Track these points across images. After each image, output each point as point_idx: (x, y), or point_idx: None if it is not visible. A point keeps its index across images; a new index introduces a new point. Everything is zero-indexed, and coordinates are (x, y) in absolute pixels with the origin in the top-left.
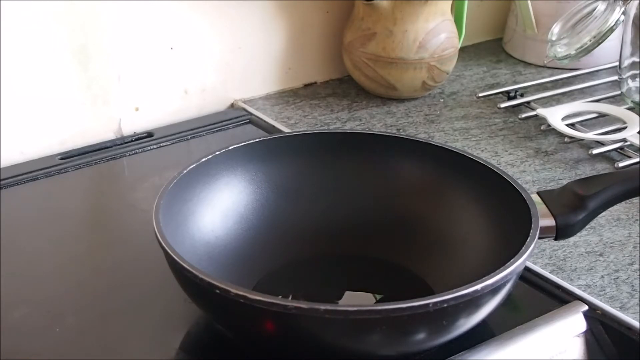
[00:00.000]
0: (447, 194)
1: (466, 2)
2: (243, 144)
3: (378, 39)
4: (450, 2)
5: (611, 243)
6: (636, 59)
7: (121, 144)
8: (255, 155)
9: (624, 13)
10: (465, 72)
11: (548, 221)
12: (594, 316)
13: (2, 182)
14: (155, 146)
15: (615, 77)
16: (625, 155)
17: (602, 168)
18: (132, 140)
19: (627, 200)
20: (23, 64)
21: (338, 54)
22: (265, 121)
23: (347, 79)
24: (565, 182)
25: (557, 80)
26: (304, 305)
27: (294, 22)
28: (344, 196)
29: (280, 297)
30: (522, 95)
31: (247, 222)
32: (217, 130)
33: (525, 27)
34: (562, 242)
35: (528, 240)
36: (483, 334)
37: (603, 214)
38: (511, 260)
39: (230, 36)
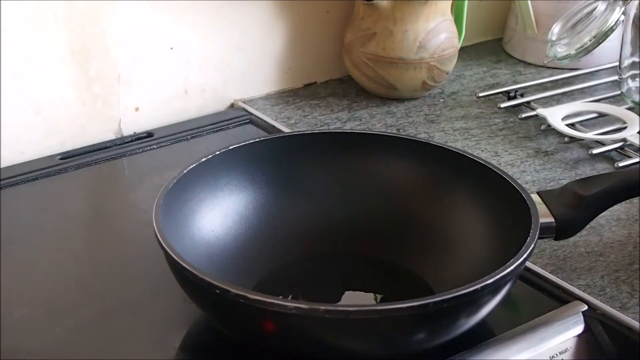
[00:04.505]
0: (447, 194)
1: (466, 2)
2: (243, 144)
3: (378, 39)
4: (450, 2)
5: (611, 243)
6: (636, 59)
7: (121, 144)
8: (255, 155)
9: (624, 13)
10: (465, 72)
11: (548, 221)
12: (594, 316)
13: (2, 182)
14: (155, 146)
15: (615, 77)
16: (625, 155)
17: (602, 168)
18: (132, 140)
19: (627, 200)
20: (23, 64)
21: (338, 54)
22: (265, 121)
23: (347, 79)
24: (565, 182)
25: (557, 80)
26: (304, 305)
27: (294, 22)
28: (344, 196)
29: (280, 297)
30: (522, 95)
31: (247, 222)
32: (217, 130)
33: (525, 27)
34: (562, 242)
35: (528, 240)
36: (483, 334)
37: (603, 214)
38: (511, 260)
39: (230, 36)
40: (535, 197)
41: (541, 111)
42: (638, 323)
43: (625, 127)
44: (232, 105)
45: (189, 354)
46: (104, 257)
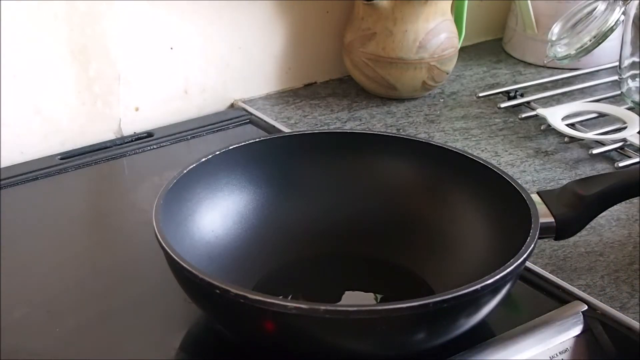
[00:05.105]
0: (447, 194)
1: (466, 2)
2: (243, 144)
3: (378, 39)
4: (450, 2)
5: (611, 243)
6: (636, 59)
7: (121, 144)
8: (255, 155)
9: (624, 13)
10: (465, 72)
11: (548, 221)
12: (594, 316)
13: (2, 182)
14: (155, 146)
15: (615, 77)
16: (625, 155)
17: (602, 168)
18: (132, 140)
19: (627, 200)
20: (23, 64)
21: (338, 54)
22: (265, 121)
23: (347, 79)
24: (565, 182)
25: (557, 80)
26: (304, 305)
27: (294, 22)
28: (344, 196)
29: (280, 297)
30: (522, 95)
31: (247, 222)
32: (217, 130)
33: (525, 27)
34: (562, 242)
35: (528, 240)
36: (483, 334)
37: (603, 214)
38: (511, 260)
39: (230, 36)
40: (535, 197)
41: (541, 111)
42: (638, 323)
43: (625, 127)
44: (232, 105)
45: (189, 354)
46: (104, 257)
